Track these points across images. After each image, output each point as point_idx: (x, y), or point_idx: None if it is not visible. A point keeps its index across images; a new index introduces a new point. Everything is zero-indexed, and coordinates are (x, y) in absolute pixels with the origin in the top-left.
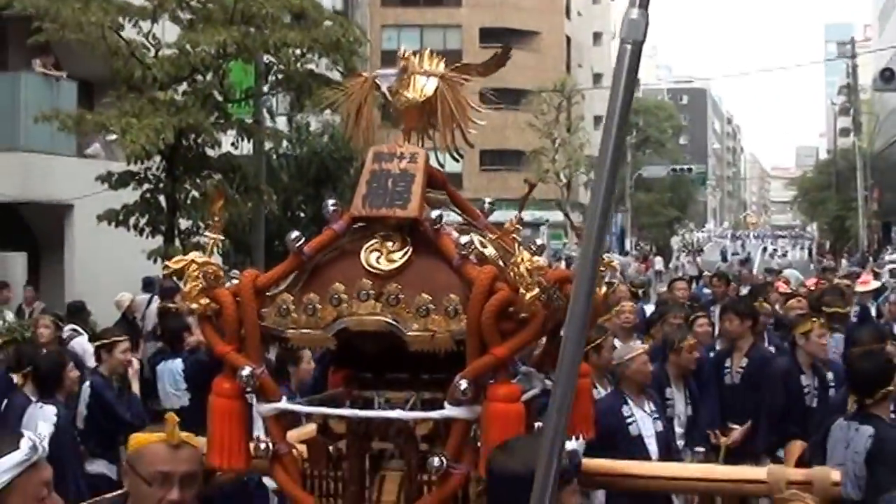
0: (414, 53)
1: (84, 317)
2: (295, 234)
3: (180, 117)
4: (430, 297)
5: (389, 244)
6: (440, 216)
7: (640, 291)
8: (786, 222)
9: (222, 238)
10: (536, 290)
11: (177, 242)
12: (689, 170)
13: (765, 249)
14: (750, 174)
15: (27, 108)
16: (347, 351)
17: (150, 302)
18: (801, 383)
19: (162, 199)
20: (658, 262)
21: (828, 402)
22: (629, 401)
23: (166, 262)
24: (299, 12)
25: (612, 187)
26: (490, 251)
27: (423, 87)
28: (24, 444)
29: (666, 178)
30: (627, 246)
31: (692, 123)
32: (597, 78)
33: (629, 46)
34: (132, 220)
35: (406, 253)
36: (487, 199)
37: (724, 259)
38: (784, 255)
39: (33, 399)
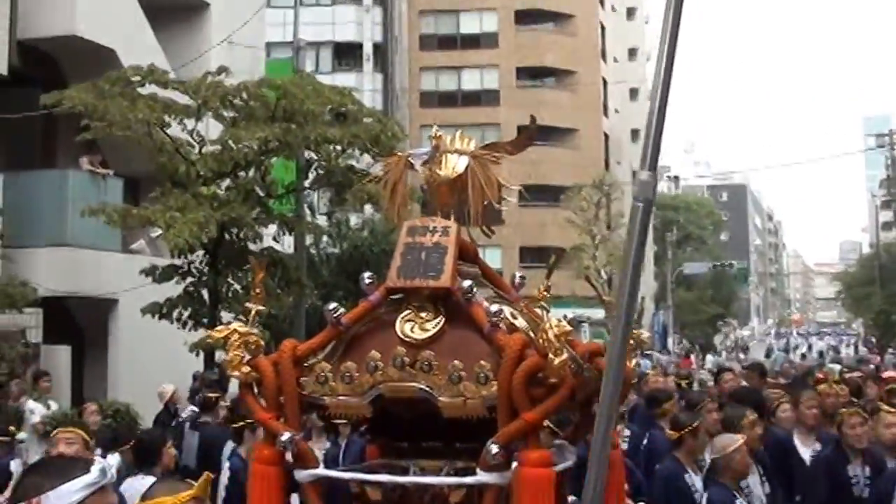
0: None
1: None
2: (333, 305)
3: (223, 212)
4: (462, 365)
5: (423, 314)
6: (471, 286)
7: (684, 383)
8: (831, 319)
9: (263, 308)
10: (565, 356)
11: None
12: (731, 265)
13: (810, 347)
14: (793, 270)
15: (74, 204)
16: (383, 419)
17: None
18: (847, 474)
19: (204, 292)
20: (709, 362)
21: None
22: (735, 493)
23: (210, 332)
24: (340, 109)
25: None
26: (521, 322)
27: (454, 165)
28: (95, 468)
29: (707, 274)
30: (670, 344)
31: (733, 220)
32: (634, 175)
33: (641, 205)
34: (175, 313)
35: (439, 322)
36: (518, 273)
37: (769, 356)
38: (836, 351)
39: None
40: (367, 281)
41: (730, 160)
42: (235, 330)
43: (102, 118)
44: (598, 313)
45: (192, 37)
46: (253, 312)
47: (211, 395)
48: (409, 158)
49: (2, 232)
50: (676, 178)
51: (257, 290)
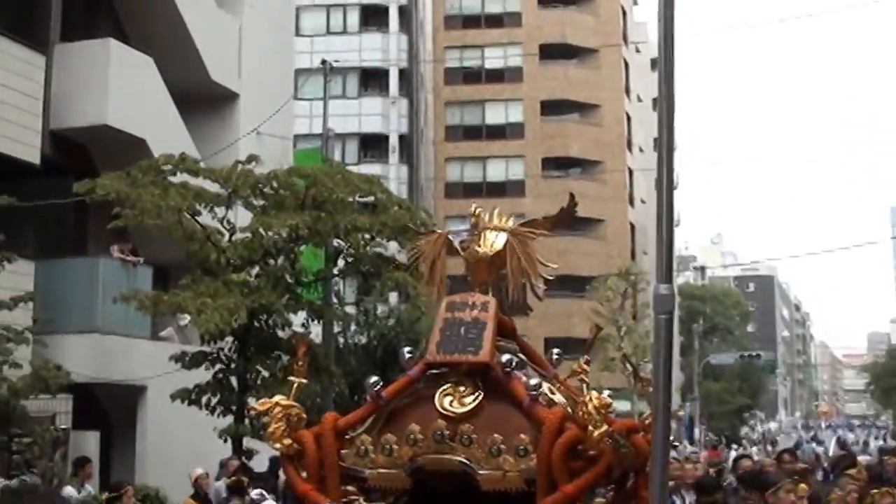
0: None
1: None
2: (373, 379)
3: (253, 298)
4: (502, 438)
5: (462, 388)
6: (510, 360)
7: (713, 471)
8: (860, 411)
9: (305, 381)
10: (605, 428)
11: (246, 422)
12: (758, 356)
13: (839, 439)
14: (820, 361)
15: (105, 291)
16: (423, 492)
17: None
18: None
19: (233, 379)
20: (732, 454)
21: None
22: None
23: (252, 405)
24: (368, 198)
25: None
26: (558, 398)
27: (493, 241)
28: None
29: (735, 365)
30: (696, 435)
31: (760, 311)
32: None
33: (663, 318)
34: (204, 400)
35: (478, 397)
36: (556, 350)
37: (797, 449)
38: (865, 444)
39: None
40: (407, 355)
41: (757, 250)
42: (278, 403)
43: (134, 206)
44: (625, 405)
45: (222, 126)
46: (295, 386)
47: (239, 478)
48: (449, 235)
49: (34, 317)
50: (703, 268)
51: (299, 364)
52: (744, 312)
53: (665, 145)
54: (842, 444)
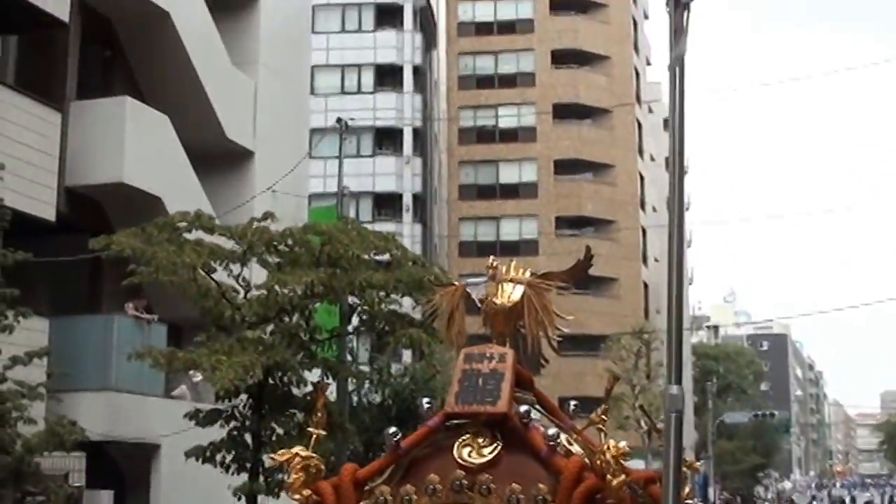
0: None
1: None
2: (392, 429)
3: (268, 355)
4: (520, 488)
5: (480, 439)
6: (528, 411)
7: None
8: (873, 471)
9: (324, 433)
10: (623, 477)
11: (261, 479)
12: (772, 415)
13: (854, 499)
14: (834, 420)
15: (119, 349)
16: None
17: None
18: None
19: (248, 436)
20: None
21: None
22: None
23: (272, 455)
24: (384, 255)
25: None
26: (576, 448)
27: (510, 293)
28: None
29: (748, 424)
30: (710, 495)
31: (773, 370)
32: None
33: (674, 415)
34: (218, 457)
35: (496, 447)
36: (573, 402)
37: None
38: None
39: None
40: (426, 406)
41: (770, 309)
42: (297, 454)
43: (149, 263)
44: (639, 464)
45: (237, 184)
46: (314, 437)
47: None
48: (467, 287)
49: (49, 373)
50: (716, 328)
51: (318, 415)
52: (757, 371)
53: (675, 268)
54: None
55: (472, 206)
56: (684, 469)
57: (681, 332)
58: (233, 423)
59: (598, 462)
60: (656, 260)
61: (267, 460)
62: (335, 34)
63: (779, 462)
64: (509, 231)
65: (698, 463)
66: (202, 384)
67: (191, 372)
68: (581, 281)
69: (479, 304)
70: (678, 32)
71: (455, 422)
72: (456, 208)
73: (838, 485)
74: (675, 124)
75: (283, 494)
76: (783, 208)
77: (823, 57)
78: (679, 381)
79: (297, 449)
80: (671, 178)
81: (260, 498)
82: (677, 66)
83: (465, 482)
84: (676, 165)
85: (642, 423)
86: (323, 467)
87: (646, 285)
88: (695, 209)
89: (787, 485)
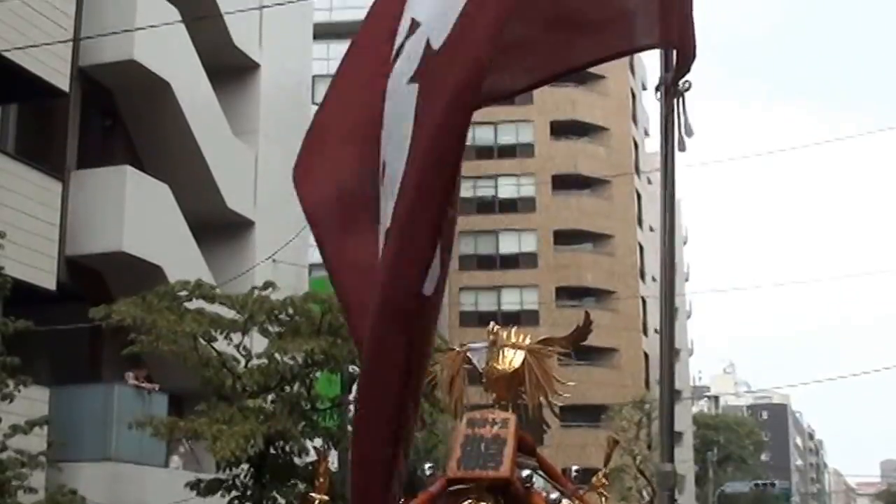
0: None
1: None
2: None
3: (269, 424)
4: None
5: None
6: (530, 476)
7: None
8: None
9: (326, 499)
10: None
11: None
12: (773, 485)
13: None
14: (835, 489)
15: (119, 418)
16: None
17: None
18: None
19: None
20: None
21: None
22: None
23: None
24: None
25: None
26: None
27: (511, 359)
28: None
29: (749, 494)
30: None
31: (774, 439)
32: (676, 394)
33: (667, 493)
34: None
35: None
36: (574, 467)
37: None
38: None
39: None
40: (428, 472)
41: (770, 378)
42: None
43: (150, 332)
44: None
45: (238, 253)
46: (317, 502)
47: None
48: (467, 353)
49: (49, 441)
50: (716, 398)
51: (321, 480)
52: (757, 441)
53: (666, 358)
54: None
55: (473, 276)
56: None
57: (672, 409)
58: (234, 493)
59: None
60: (656, 331)
61: None
62: None
63: None
64: (510, 301)
65: None
66: (199, 452)
67: (182, 440)
68: (581, 348)
69: (480, 371)
70: (669, 121)
71: (457, 487)
72: (456, 278)
73: None
74: (665, 224)
75: None
76: (783, 277)
77: (815, 129)
78: (671, 460)
79: None
80: (661, 267)
81: None
82: (669, 159)
83: None
84: (666, 256)
85: (644, 494)
86: None
87: (646, 355)
88: (694, 280)
89: None
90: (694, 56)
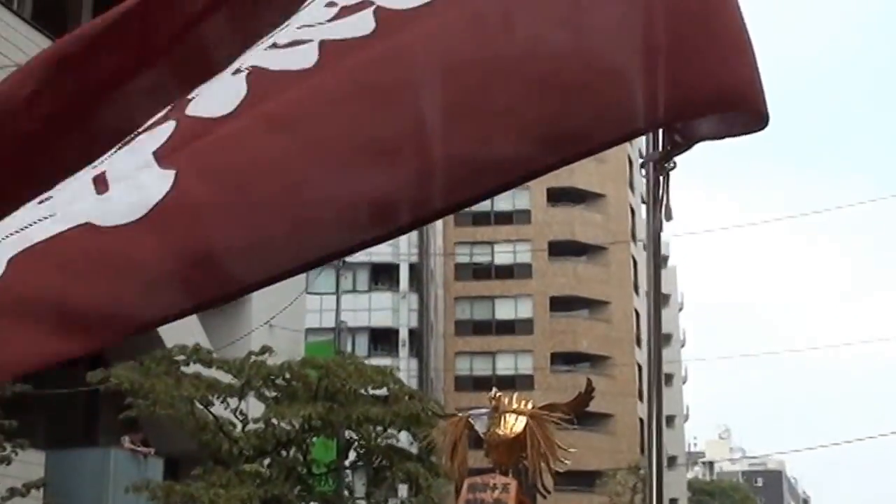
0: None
1: None
2: None
3: (266, 489)
4: None
5: None
6: None
7: None
8: None
9: None
10: None
11: None
12: None
13: None
14: None
15: (116, 482)
16: None
17: None
18: None
19: None
20: None
21: None
22: None
23: None
24: (381, 389)
25: None
26: None
27: (513, 425)
28: None
29: None
30: None
31: None
32: (671, 460)
33: None
34: None
35: None
36: None
37: None
38: None
39: None
40: None
41: (766, 444)
42: None
43: (147, 396)
44: None
45: (234, 318)
46: None
47: None
48: (470, 418)
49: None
50: (711, 463)
51: None
52: None
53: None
54: None
55: (468, 341)
56: None
57: (661, 474)
58: None
59: None
60: None
61: None
62: None
63: None
64: (505, 366)
65: None
66: None
67: None
68: (580, 415)
69: (482, 436)
70: (654, 195)
71: None
72: (452, 343)
73: None
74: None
75: None
76: (779, 344)
77: (812, 197)
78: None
79: None
80: (648, 316)
81: None
82: (655, 238)
83: None
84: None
85: None
86: None
87: (641, 421)
88: (690, 346)
89: None
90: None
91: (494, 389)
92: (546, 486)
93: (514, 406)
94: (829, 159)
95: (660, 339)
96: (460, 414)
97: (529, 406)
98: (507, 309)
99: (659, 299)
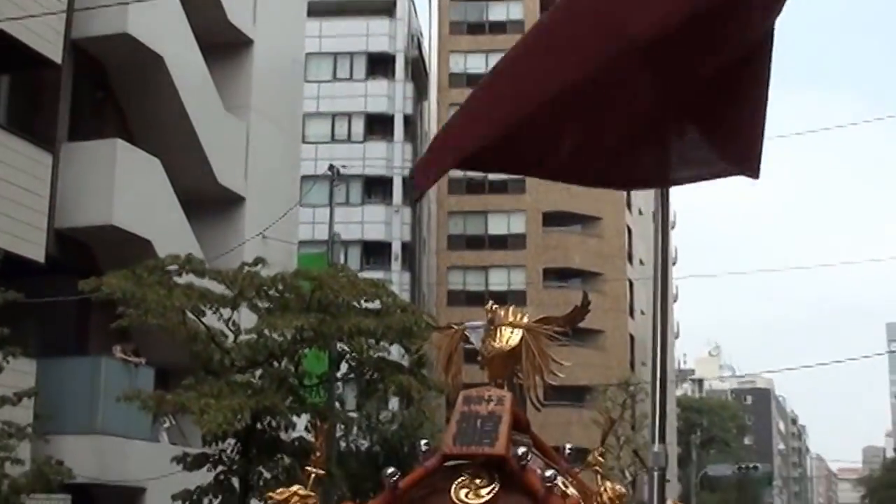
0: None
1: None
2: (391, 469)
3: (257, 399)
4: None
5: (478, 480)
6: (525, 453)
7: None
8: None
9: (323, 472)
10: None
11: None
12: (756, 468)
13: None
14: (816, 474)
15: (106, 391)
16: None
17: None
18: None
19: (235, 481)
20: None
21: None
22: None
23: (269, 494)
24: (373, 300)
25: None
26: (571, 491)
27: (508, 338)
28: None
29: (732, 477)
30: None
31: (757, 424)
32: None
33: (657, 472)
34: (205, 501)
35: (493, 489)
36: (568, 445)
37: None
38: None
39: None
40: (424, 448)
41: (755, 363)
42: (295, 493)
43: (139, 306)
44: None
45: (228, 229)
46: (313, 476)
47: None
48: (465, 331)
49: (36, 413)
50: (701, 381)
51: (318, 454)
52: (741, 425)
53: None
54: None
55: (461, 255)
56: None
57: (665, 390)
58: (220, 468)
59: (596, 502)
60: (642, 312)
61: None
62: (326, 83)
63: None
64: (497, 281)
65: None
66: (186, 427)
67: (160, 418)
68: (579, 322)
69: (478, 349)
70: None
71: (452, 463)
72: (444, 258)
73: None
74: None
75: None
76: (772, 263)
77: (810, 116)
78: (663, 440)
79: (295, 487)
80: (655, 238)
81: None
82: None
83: None
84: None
85: (626, 474)
86: None
87: (632, 338)
88: (681, 263)
89: None
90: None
91: (490, 302)
92: (540, 399)
93: (510, 319)
94: (828, 78)
95: (667, 259)
96: (455, 326)
97: (525, 319)
98: (500, 224)
99: (667, 219)
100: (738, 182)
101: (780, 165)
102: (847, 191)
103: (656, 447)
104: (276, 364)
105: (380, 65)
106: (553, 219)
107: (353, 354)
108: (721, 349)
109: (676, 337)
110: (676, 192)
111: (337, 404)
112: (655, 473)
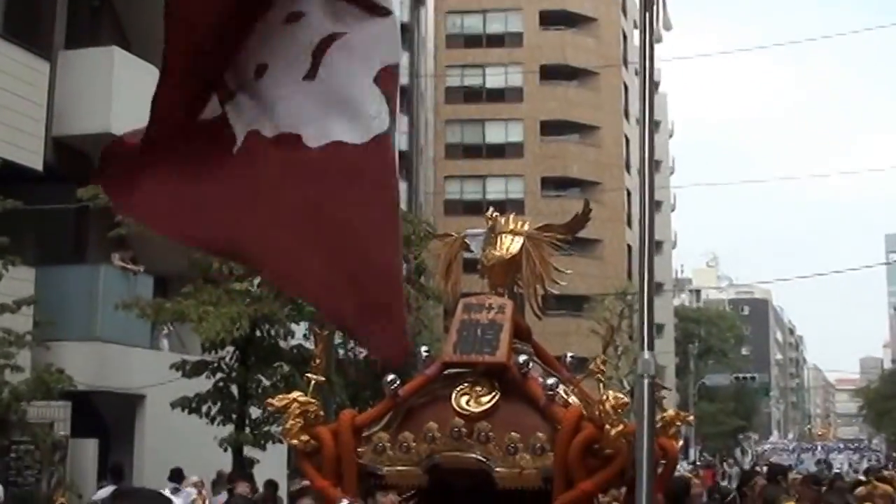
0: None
1: None
2: (391, 377)
3: (256, 307)
4: (519, 436)
5: (479, 388)
6: (527, 361)
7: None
8: (852, 435)
9: (323, 379)
10: (621, 427)
11: (247, 430)
12: (753, 378)
13: (826, 463)
14: (813, 385)
15: (105, 299)
16: (438, 490)
17: None
18: None
19: (234, 388)
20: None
21: None
22: None
23: (269, 400)
24: None
25: None
26: (573, 400)
27: (509, 245)
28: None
29: (729, 387)
30: (692, 455)
31: (754, 334)
32: (658, 286)
33: (646, 380)
34: (204, 409)
35: (494, 397)
36: (569, 354)
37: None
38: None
39: None
40: (424, 355)
41: (753, 274)
42: (295, 399)
43: None
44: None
45: None
46: (313, 382)
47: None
48: (466, 238)
49: (36, 321)
50: (698, 291)
51: (318, 361)
52: (738, 335)
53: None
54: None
55: (458, 164)
56: (677, 423)
57: (651, 297)
58: (219, 375)
59: (597, 412)
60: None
61: (254, 411)
62: None
63: (758, 424)
64: (495, 190)
65: (690, 417)
66: (184, 335)
67: (159, 326)
68: (580, 230)
69: (478, 257)
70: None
71: (453, 371)
72: (442, 167)
73: (819, 448)
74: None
75: (268, 445)
76: (768, 173)
77: (809, 25)
78: (651, 348)
79: (295, 394)
80: (641, 143)
81: (245, 448)
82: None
83: (464, 430)
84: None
85: (625, 383)
86: (322, 413)
87: (629, 247)
88: (679, 173)
89: (767, 446)
90: None
91: (491, 209)
92: (540, 307)
93: (511, 227)
94: None
95: (652, 166)
96: (455, 234)
97: (526, 227)
98: (498, 132)
99: (652, 124)
100: (740, 91)
101: (785, 71)
102: (848, 99)
103: (646, 354)
104: None
105: None
106: (551, 128)
107: None
108: (719, 260)
109: (674, 247)
110: (674, 101)
111: None
112: (645, 381)
